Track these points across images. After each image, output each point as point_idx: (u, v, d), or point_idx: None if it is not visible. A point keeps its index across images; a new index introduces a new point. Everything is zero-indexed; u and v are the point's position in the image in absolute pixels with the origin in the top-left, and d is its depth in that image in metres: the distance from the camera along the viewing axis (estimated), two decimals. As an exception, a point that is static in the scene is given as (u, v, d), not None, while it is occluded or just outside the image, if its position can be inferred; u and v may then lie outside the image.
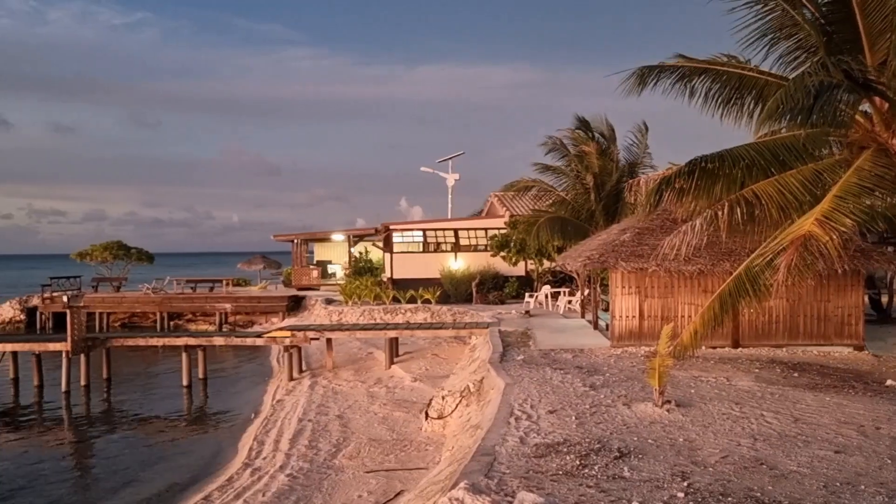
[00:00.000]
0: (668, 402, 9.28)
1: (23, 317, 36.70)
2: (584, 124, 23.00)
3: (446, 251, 31.57)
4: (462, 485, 2.23)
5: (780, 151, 9.34)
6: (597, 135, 23.02)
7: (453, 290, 29.18)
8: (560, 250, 22.52)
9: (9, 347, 21.01)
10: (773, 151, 9.35)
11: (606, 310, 17.64)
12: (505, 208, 31.99)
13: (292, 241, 40.01)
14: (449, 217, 38.43)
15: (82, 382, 20.09)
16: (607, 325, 16.51)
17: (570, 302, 23.95)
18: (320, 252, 43.90)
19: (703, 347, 14.44)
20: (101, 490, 11.98)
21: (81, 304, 21.15)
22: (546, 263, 27.41)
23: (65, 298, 27.45)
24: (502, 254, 28.50)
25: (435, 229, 32.20)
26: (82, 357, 20.10)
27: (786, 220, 9.29)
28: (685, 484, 6.32)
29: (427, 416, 12.85)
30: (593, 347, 15.38)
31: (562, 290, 25.47)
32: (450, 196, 41.72)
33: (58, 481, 12.65)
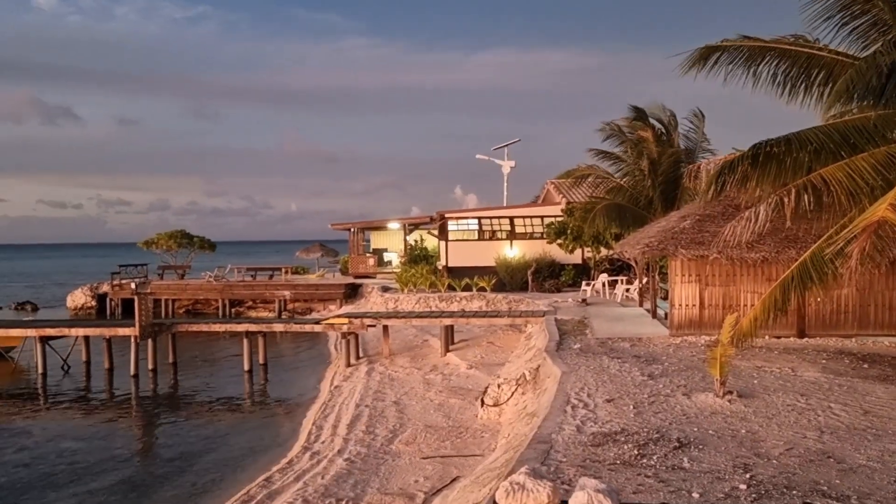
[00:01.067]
0: (730, 392, 9.06)
1: (94, 303, 38.28)
2: (640, 112, 22.55)
3: (502, 239, 31.45)
4: (523, 469, 2.22)
5: (851, 134, 8.94)
6: (654, 121, 22.54)
7: (508, 279, 29.08)
8: (618, 238, 22.18)
9: (81, 332, 21.94)
10: (842, 134, 8.96)
11: (665, 298, 17.32)
12: (561, 195, 31.66)
13: (349, 230, 40.49)
14: (504, 205, 38.26)
15: (149, 366, 20.83)
16: (666, 314, 16.21)
17: (627, 290, 23.60)
18: (376, 240, 44.32)
19: (767, 337, 14.04)
20: (167, 470, 12.41)
21: (148, 291, 21.91)
22: (603, 251, 27.04)
23: (133, 285, 28.51)
24: (558, 241, 28.24)
25: (490, 217, 32.10)
26: (150, 342, 20.83)
27: (855, 206, 8.91)
28: (747, 476, 6.17)
29: (483, 403, 12.87)
30: (651, 336, 15.13)
31: (619, 278, 25.11)
32: (505, 183, 41.52)
33: (127, 460, 13.17)
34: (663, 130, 22.55)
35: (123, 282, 36.45)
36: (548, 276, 28.75)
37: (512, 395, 12.31)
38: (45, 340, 21.15)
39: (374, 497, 9.36)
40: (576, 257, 29.44)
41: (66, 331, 21.88)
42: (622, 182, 23.31)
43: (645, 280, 21.22)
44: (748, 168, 9.22)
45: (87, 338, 22.09)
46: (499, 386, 12.81)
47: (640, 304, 21.10)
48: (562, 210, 29.09)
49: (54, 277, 77.90)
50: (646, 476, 6.21)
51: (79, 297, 39.05)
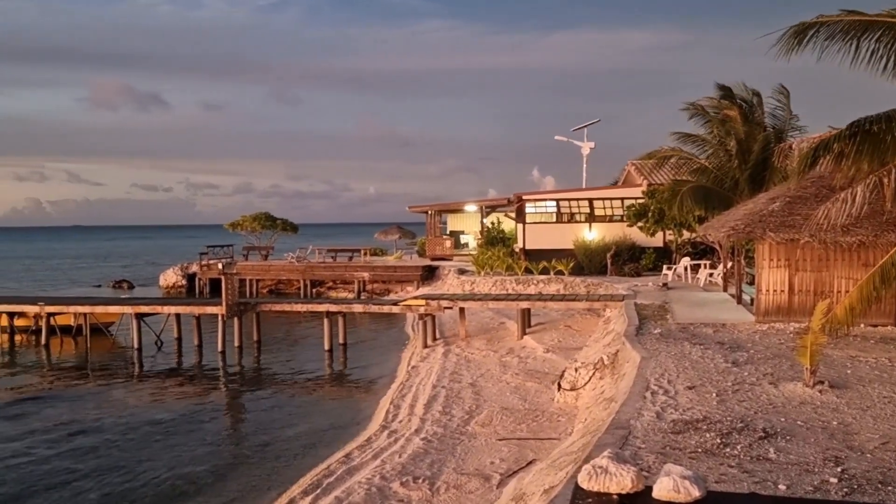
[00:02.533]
0: (821, 382, 8.67)
1: (184, 282, 40.03)
2: (726, 91, 21.63)
3: (580, 221, 30.98)
4: (606, 453, 2.18)
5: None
6: (740, 100, 21.60)
7: (587, 262, 28.66)
8: (701, 220, 21.46)
9: (173, 310, 23.01)
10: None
11: (751, 283, 16.69)
12: (643, 177, 30.88)
13: (426, 212, 40.77)
14: (583, 186, 37.65)
15: (235, 344, 21.64)
16: (752, 300, 15.63)
17: (711, 275, 22.87)
18: (453, 222, 44.46)
19: (863, 325, 13.34)
20: (252, 443, 12.90)
21: (234, 272, 22.72)
22: (686, 234, 26.24)
23: (220, 266, 29.58)
24: (639, 224, 27.59)
25: (569, 199, 31.67)
26: (235, 320, 21.62)
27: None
28: (839, 469, 5.90)
29: (559, 387, 12.78)
30: (736, 322, 14.62)
31: (702, 262, 24.35)
32: (584, 165, 40.80)
33: (215, 433, 13.76)
34: (749, 109, 21.61)
35: (211, 262, 37.94)
36: (627, 259, 28.18)
37: (589, 379, 12.17)
38: (140, 317, 22.28)
39: (451, 476, 9.45)
40: (657, 240, 28.72)
41: (158, 308, 22.99)
42: (706, 163, 22.50)
43: (730, 264, 20.51)
44: (845, 146, 8.74)
45: (178, 315, 23.16)
46: (576, 370, 12.68)
47: (725, 290, 20.43)
48: (643, 192, 28.39)
49: (147, 257, 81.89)
50: (729, 466, 6.03)
51: (170, 277, 40.94)
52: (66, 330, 23.90)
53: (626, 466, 2.06)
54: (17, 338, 24.22)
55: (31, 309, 23.65)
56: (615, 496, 2.01)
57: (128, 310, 22.75)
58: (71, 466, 11.65)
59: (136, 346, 21.85)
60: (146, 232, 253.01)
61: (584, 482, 2.06)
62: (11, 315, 24.16)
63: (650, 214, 26.77)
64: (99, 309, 23.49)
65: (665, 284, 22.49)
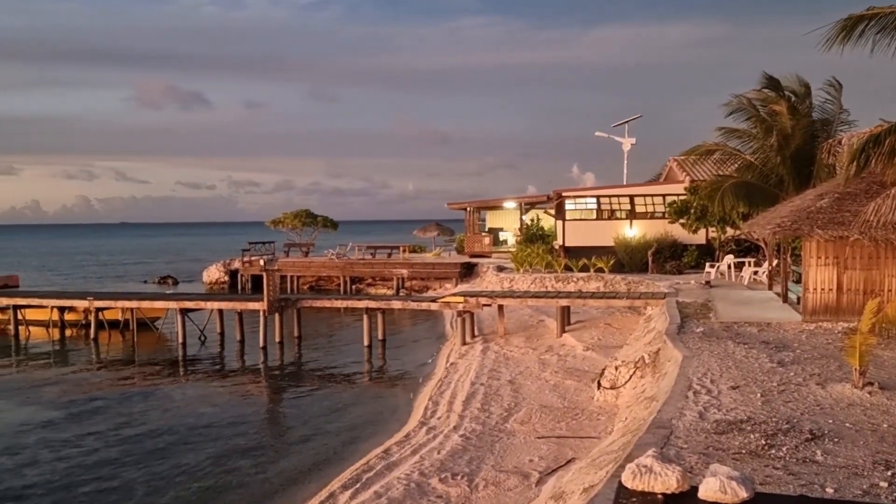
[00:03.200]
0: (871, 383, 8.43)
1: (226, 278, 40.74)
2: (772, 83, 21.08)
3: (621, 218, 30.63)
4: (650, 452, 2.15)
5: None
6: (787, 93, 21.05)
7: (628, 259, 28.33)
8: (745, 217, 21.03)
9: (216, 305, 23.43)
10: None
11: (798, 282, 16.31)
12: (685, 173, 30.40)
13: (465, 209, 40.75)
14: (624, 183, 37.21)
15: (276, 339, 21.94)
16: (798, 299, 15.27)
17: (755, 273, 22.41)
18: (492, 219, 44.36)
19: (914, 325, 12.93)
20: (293, 437, 13.07)
21: (275, 268, 23.04)
22: (729, 231, 25.74)
23: (262, 262, 30.05)
24: (681, 221, 27.16)
25: (609, 196, 31.31)
26: (277, 316, 21.92)
27: None
28: (889, 473, 5.73)
29: (599, 385, 12.67)
30: (782, 322, 14.31)
31: (746, 259, 23.87)
32: (625, 161, 40.32)
33: (257, 426, 13.98)
34: (797, 102, 21.05)
35: (253, 259, 38.50)
36: (669, 256, 27.77)
37: (630, 378, 12.04)
38: (184, 312, 22.74)
39: (490, 474, 9.45)
40: (699, 238, 28.24)
41: (202, 304, 23.44)
42: (751, 159, 22.03)
43: (775, 262, 20.07)
44: (897, 141, 8.48)
45: (220, 311, 23.57)
46: (616, 368, 12.56)
47: (770, 288, 20.00)
48: (685, 188, 27.92)
49: (191, 254, 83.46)
50: (774, 468, 5.90)
51: (213, 273, 41.69)
52: (113, 324, 24.52)
53: (672, 466, 2.03)
54: (68, 332, 24.95)
55: (81, 304, 24.34)
56: (660, 496, 1.98)
57: (173, 305, 23.24)
58: (118, 457, 11.96)
59: (180, 340, 22.31)
60: (190, 229, 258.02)
61: (628, 481, 2.03)
62: (62, 309, 24.91)
63: (692, 211, 26.34)
64: (145, 304, 24.05)
65: (708, 282, 22.11)
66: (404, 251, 40.31)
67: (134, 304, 23.91)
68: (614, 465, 6.66)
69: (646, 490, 1.98)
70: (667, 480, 1.98)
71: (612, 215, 30.94)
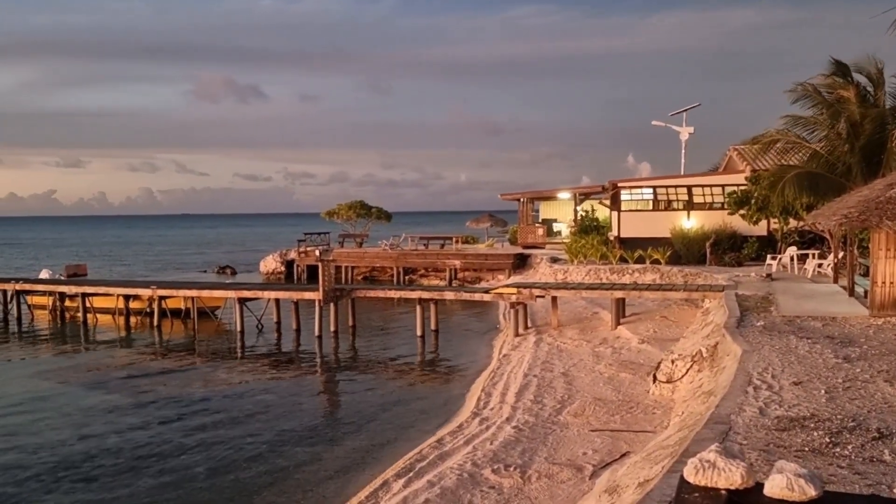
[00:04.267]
0: (944, 381, 8.07)
1: (283, 268, 41.51)
2: (841, 68, 20.26)
3: (678, 209, 29.99)
4: (713, 447, 2.09)
5: None
6: (857, 78, 20.18)
7: (685, 251, 27.75)
8: (809, 208, 20.33)
9: (273, 295, 23.92)
10: None
11: (865, 275, 15.70)
12: (745, 163, 29.55)
13: (518, 200, 40.54)
14: (682, 173, 36.42)
15: (332, 328, 22.27)
16: (866, 292, 14.71)
17: (819, 265, 21.68)
18: (546, 210, 44.03)
19: None
20: (347, 425, 13.26)
21: (331, 259, 23.35)
22: (792, 222, 24.94)
23: (317, 253, 30.47)
24: (741, 212, 26.43)
25: (666, 186, 30.69)
26: (332, 306, 22.24)
27: None
28: (964, 475, 5.48)
29: (655, 379, 12.46)
30: (847, 316, 13.80)
31: (810, 251, 23.10)
32: (683, 151, 39.45)
33: (312, 414, 14.23)
34: (868, 89, 20.19)
35: (308, 249, 39.14)
36: (728, 248, 27.09)
37: (686, 372, 11.80)
38: (242, 302, 23.28)
39: (542, 466, 9.41)
40: (760, 229, 27.45)
41: (259, 294, 23.94)
42: (816, 147, 21.26)
43: (841, 254, 19.36)
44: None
45: (277, 300, 24.06)
46: (672, 362, 12.33)
47: (835, 281, 19.32)
48: (746, 178, 27.15)
49: (249, 244, 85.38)
50: (839, 466, 5.71)
51: (270, 263, 42.52)
52: (175, 313, 25.28)
53: (736, 461, 1.97)
54: (132, 319, 25.83)
55: (145, 292, 25.15)
56: (724, 492, 1.92)
57: (231, 294, 23.81)
58: (181, 441, 12.33)
59: (238, 329, 22.86)
60: (247, 220, 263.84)
61: (691, 476, 1.98)
62: (127, 298, 25.79)
63: (753, 201, 25.60)
64: (205, 293, 24.70)
65: (769, 275, 21.50)
66: (457, 242, 40.36)
67: (195, 293, 24.60)
68: (670, 459, 6.55)
69: (709, 485, 1.93)
70: (731, 476, 1.92)
71: (668, 206, 30.33)
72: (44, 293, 27.74)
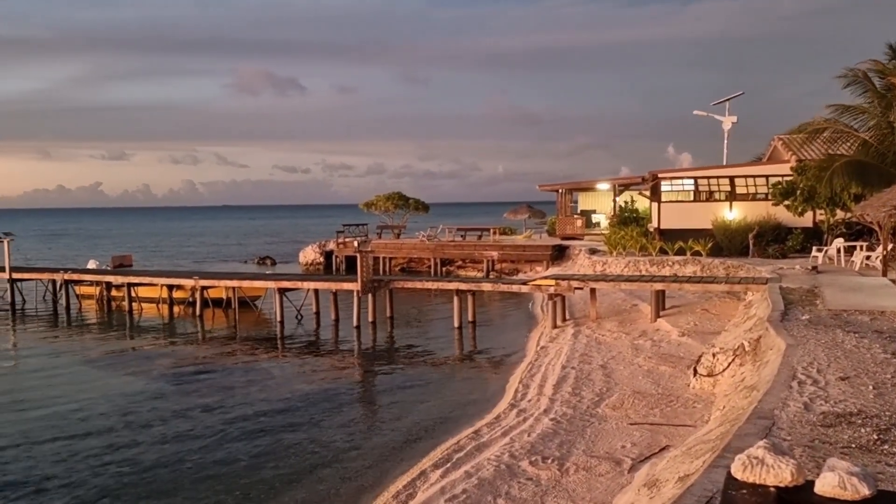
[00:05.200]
0: None
1: (321, 259, 41.92)
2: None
3: (720, 200, 29.44)
4: (762, 443, 2.05)
5: None
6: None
7: (727, 242, 27.25)
8: (858, 199, 19.79)
9: (312, 286, 24.17)
10: None
11: (916, 268, 15.23)
12: (791, 153, 28.85)
13: (557, 191, 40.25)
14: (724, 163, 35.71)
15: (370, 319, 22.43)
16: (917, 286, 14.26)
17: (867, 257, 21.08)
18: (584, 201, 43.63)
19: None
20: (385, 415, 13.36)
21: (369, 250, 23.47)
22: (839, 213, 24.31)
23: (356, 244, 30.69)
24: (786, 202, 25.84)
25: (708, 177, 30.15)
26: (370, 296, 22.39)
27: None
28: None
29: (695, 372, 12.29)
30: (897, 310, 13.40)
31: (858, 243, 22.49)
32: (725, 141, 38.65)
33: (350, 404, 14.36)
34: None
35: (347, 240, 39.46)
36: (772, 240, 26.50)
37: (728, 365, 11.61)
38: (282, 292, 23.58)
39: (580, 458, 9.35)
40: (805, 220, 26.80)
41: (299, 284, 24.22)
42: (866, 136, 20.66)
43: (890, 246, 18.81)
44: None
45: (316, 291, 24.31)
46: (714, 355, 12.14)
47: (884, 274, 18.77)
48: (791, 168, 26.53)
49: (288, 235, 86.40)
50: (887, 464, 5.55)
51: (309, 254, 42.97)
52: (217, 302, 25.74)
53: (786, 458, 1.92)
54: (176, 308, 26.38)
55: (188, 282, 25.64)
56: (773, 489, 1.88)
57: (271, 285, 24.13)
58: (223, 428, 12.56)
59: (278, 319, 23.18)
60: (286, 211, 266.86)
61: (738, 473, 1.94)
62: (171, 288, 26.34)
63: (799, 192, 25.01)
64: (246, 283, 25.09)
65: (814, 267, 20.98)
66: (494, 233, 40.25)
67: (236, 283, 25.01)
68: (711, 454, 6.45)
69: (757, 482, 1.89)
70: (780, 473, 1.88)
71: (710, 197, 29.80)
72: (91, 283, 28.49)
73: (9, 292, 28.58)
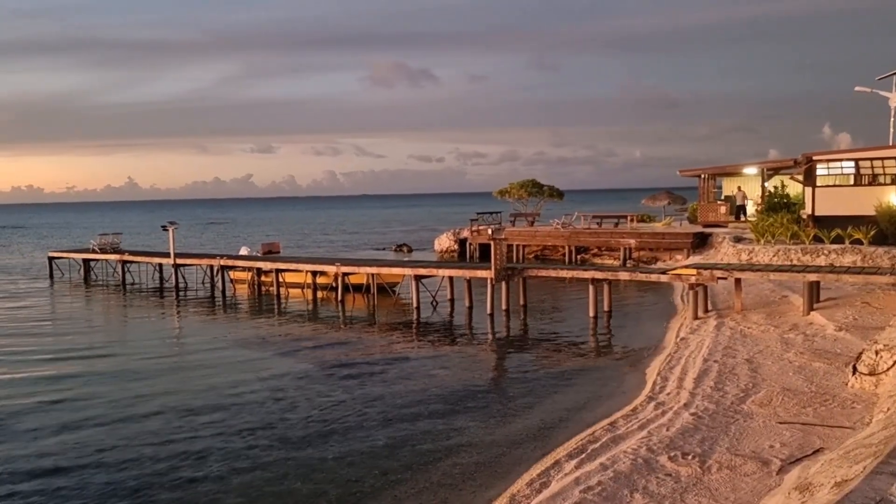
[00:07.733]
0: None
1: (456, 246, 42.55)
2: None
3: (885, 184, 26.94)
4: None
5: None
6: None
7: (892, 230, 24.93)
8: None
9: (446, 273, 24.59)
10: None
11: None
12: (970, 130, 25.90)
13: (699, 176, 38.44)
14: (890, 144, 32.62)
15: (503, 307, 22.51)
16: None
17: None
18: (729, 187, 41.40)
19: None
20: (518, 403, 13.37)
21: (503, 237, 23.54)
22: None
23: (490, 231, 30.85)
24: (963, 186, 23.27)
25: (871, 158, 27.66)
26: (503, 284, 22.46)
27: None
28: None
29: (855, 370, 11.37)
30: None
31: None
32: (892, 119, 35.26)
33: (484, 391, 14.49)
34: None
35: (481, 228, 39.76)
36: (947, 227, 23.98)
37: (893, 364, 10.65)
38: (418, 279, 24.18)
39: (724, 456, 8.93)
40: None
41: (434, 271, 24.72)
42: None
43: None
44: None
45: (451, 278, 24.73)
46: (877, 353, 11.17)
47: None
48: (971, 148, 23.82)
49: (423, 223, 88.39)
50: None
51: (444, 242, 43.74)
52: (357, 288, 26.84)
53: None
54: (319, 294, 27.75)
55: (330, 269, 26.89)
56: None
57: (408, 272, 24.80)
58: (363, 409, 13.09)
59: (415, 304, 23.81)
60: (422, 200, 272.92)
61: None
62: (315, 274, 27.74)
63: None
64: (384, 270, 25.95)
65: None
66: (632, 220, 39.14)
67: (375, 270, 25.95)
68: (873, 459, 5.95)
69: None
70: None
71: (873, 181, 27.35)
72: (243, 269, 30.53)
73: (144, 273, 33.11)
